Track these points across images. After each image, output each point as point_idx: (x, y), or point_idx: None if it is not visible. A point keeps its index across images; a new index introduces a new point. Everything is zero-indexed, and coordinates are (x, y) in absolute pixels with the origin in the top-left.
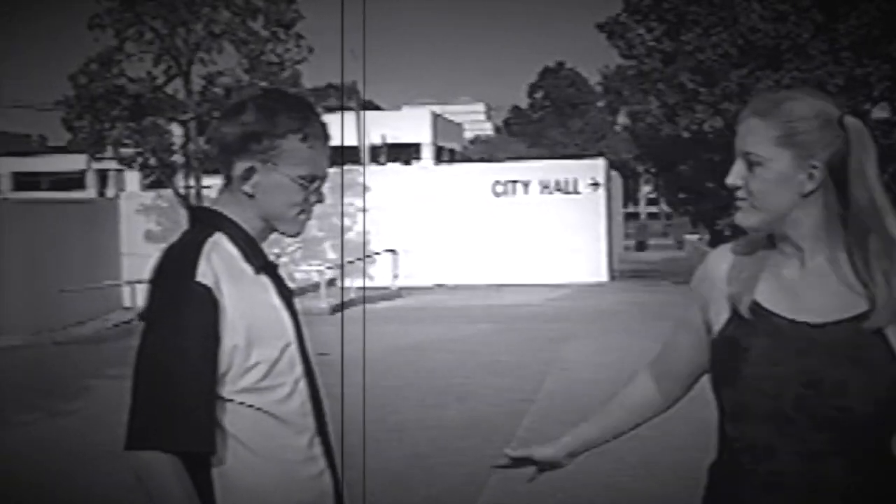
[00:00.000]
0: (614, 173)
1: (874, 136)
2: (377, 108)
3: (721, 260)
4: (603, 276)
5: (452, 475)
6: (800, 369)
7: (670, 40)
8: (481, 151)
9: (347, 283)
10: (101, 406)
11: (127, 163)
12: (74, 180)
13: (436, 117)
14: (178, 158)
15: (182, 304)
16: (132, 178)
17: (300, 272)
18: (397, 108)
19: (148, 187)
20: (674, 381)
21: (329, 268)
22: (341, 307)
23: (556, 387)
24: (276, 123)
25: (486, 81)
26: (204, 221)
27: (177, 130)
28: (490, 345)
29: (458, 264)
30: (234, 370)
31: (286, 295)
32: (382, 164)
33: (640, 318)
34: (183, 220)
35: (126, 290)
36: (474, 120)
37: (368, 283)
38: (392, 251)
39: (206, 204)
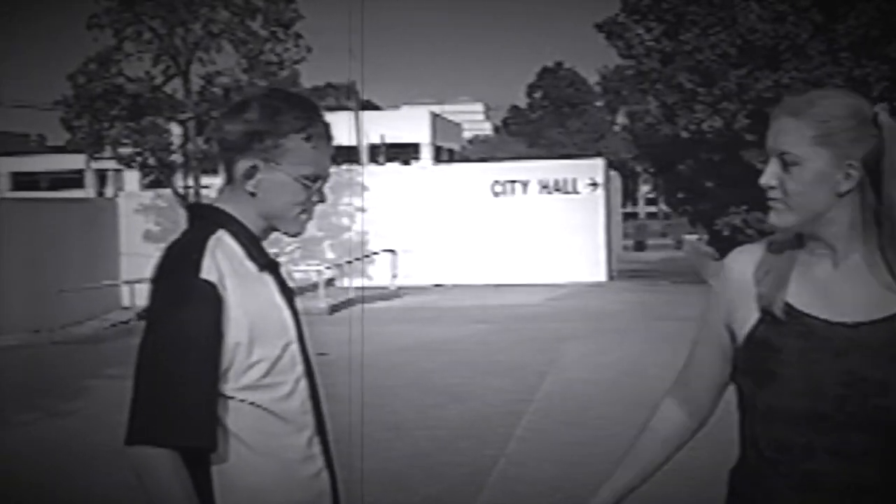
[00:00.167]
0: (613, 173)
1: None
2: (376, 107)
3: (745, 260)
4: (602, 275)
5: (451, 475)
6: (839, 369)
7: (669, 40)
8: (480, 151)
9: (346, 283)
10: (100, 406)
11: (126, 162)
12: (73, 180)
13: (434, 117)
14: (176, 158)
15: (186, 299)
16: (131, 178)
17: (299, 272)
18: (396, 107)
19: (147, 187)
20: (702, 400)
21: (328, 268)
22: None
23: (554, 387)
24: (279, 122)
25: (484, 81)
26: (206, 219)
27: (176, 130)
28: (488, 345)
29: (456, 264)
30: (235, 367)
31: (287, 294)
32: (381, 163)
33: (639, 318)
34: (182, 220)
35: (125, 290)
36: (473, 120)
37: (367, 283)
38: (391, 251)
39: (207, 201)
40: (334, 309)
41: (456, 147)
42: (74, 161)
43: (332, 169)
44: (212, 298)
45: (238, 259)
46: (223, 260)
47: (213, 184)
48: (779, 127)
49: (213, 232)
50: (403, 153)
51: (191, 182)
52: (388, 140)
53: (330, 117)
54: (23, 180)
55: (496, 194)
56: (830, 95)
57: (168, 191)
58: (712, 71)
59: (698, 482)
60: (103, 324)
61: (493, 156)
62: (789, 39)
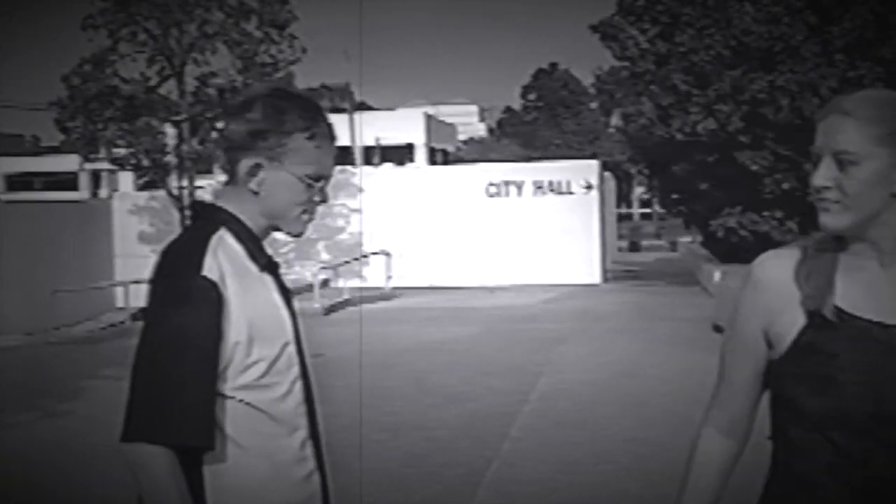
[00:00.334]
0: (608, 174)
1: None
2: (371, 108)
3: (781, 265)
4: (596, 277)
5: (448, 475)
6: None
7: (663, 42)
8: (475, 152)
9: (341, 284)
10: (95, 406)
11: (120, 163)
12: (67, 181)
13: (429, 118)
14: (171, 159)
15: (188, 297)
16: (125, 179)
17: (294, 273)
18: (391, 109)
19: (141, 188)
20: (745, 420)
21: (323, 269)
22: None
23: (549, 388)
24: (283, 121)
25: (479, 83)
26: (208, 217)
27: (170, 131)
28: (484, 346)
29: (451, 265)
30: (233, 366)
31: (286, 294)
32: (376, 165)
33: (634, 319)
34: (176, 221)
35: (119, 291)
36: (468, 121)
37: (362, 285)
38: (386, 252)
39: (209, 200)
40: (329, 310)
41: (451, 148)
42: (68, 162)
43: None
44: (213, 297)
45: (239, 258)
46: (224, 259)
47: (207, 185)
48: (832, 126)
49: (214, 230)
50: (398, 154)
51: (185, 183)
52: (383, 141)
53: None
54: (17, 182)
55: (491, 195)
56: (886, 95)
57: (162, 192)
58: (707, 72)
59: None
60: (98, 325)
61: (488, 157)
62: (784, 41)
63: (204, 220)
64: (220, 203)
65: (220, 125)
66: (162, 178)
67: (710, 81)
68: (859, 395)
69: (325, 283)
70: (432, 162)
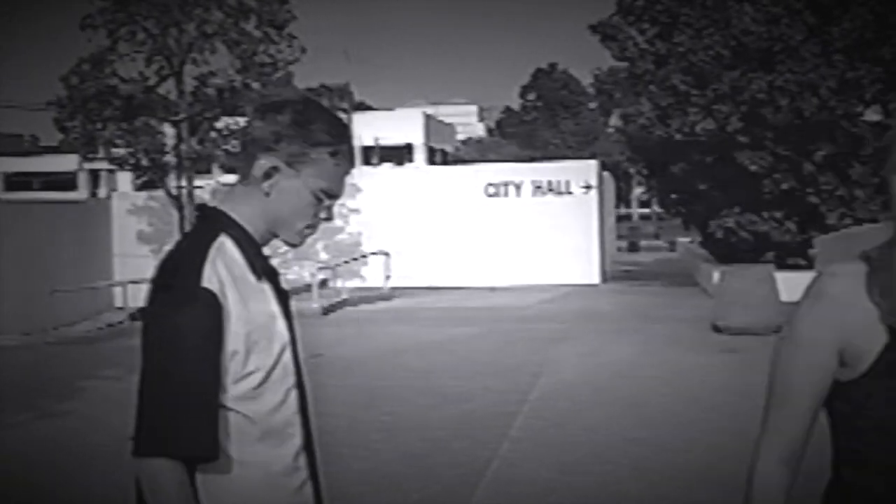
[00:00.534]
0: (606, 175)
1: (867, 139)
2: (370, 108)
3: (851, 281)
4: (595, 277)
5: (445, 476)
6: None
7: (663, 42)
8: (473, 152)
9: (340, 284)
10: (94, 406)
11: (119, 163)
12: (66, 181)
13: (428, 118)
14: (170, 159)
15: (188, 308)
16: (124, 179)
17: (292, 273)
18: (390, 109)
19: (140, 188)
20: (804, 446)
21: (322, 269)
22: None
23: (548, 388)
24: (310, 132)
25: (478, 83)
26: (209, 222)
27: (169, 131)
28: (482, 346)
29: (450, 266)
30: (230, 377)
31: (284, 301)
32: (375, 165)
33: (633, 320)
34: (175, 221)
35: (118, 291)
36: (466, 121)
37: (360, 285)
38: (384, 252)
39: (214, 203)
40: (328, 310)
41: (449, 148)
42: (67, 162)
43: None
44: (213, 307)
45: (238, 267)
46: (223, 269)
47: (206, 184)
48: None
49: (215, 237)
50: (397, 154)
51: (184, 183)
52: (382, 141)
53: None
54: (15, 181)
55: (489, 196)
56: None
57: (161, 192)
58: (706, 73)
59: (688, 484)
60: (97, 324)
61: (487, 157)
62: (783, 41)
63: (205, 226)
64: (224, 206)
65: (244, 122)
66: (161, 178)
67: (710, 82)
68: None
69: (323, 283)
70: (431, 162)
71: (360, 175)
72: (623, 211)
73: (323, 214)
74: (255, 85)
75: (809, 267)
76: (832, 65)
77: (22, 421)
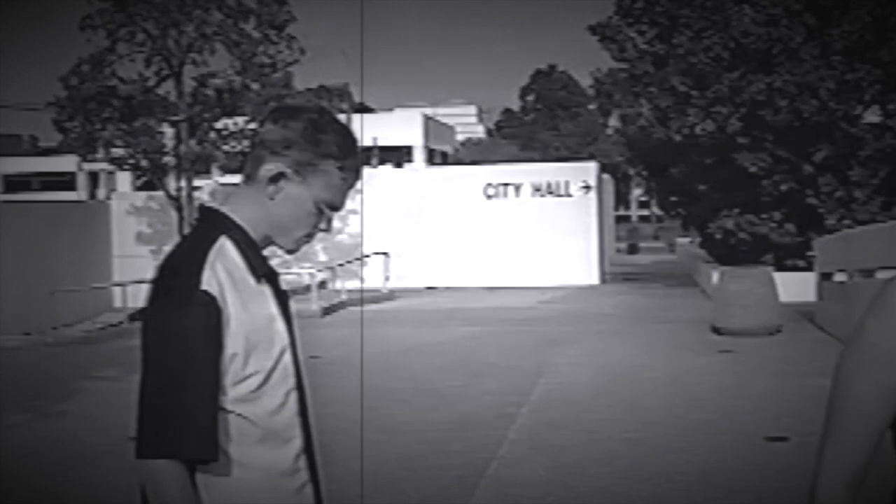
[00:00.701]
0: (606, 176)
1: (866, 140)
2: (369, 109)
3: None
4: (594, 278)
5: (444, 477)
6: None
7: (662, 43)
8: (473, 154)
9: (339, 285)
10: (92, 407)
11: (118, 164)
12: (65, 181)
13: (427, 120)
14: (169, 160)
15: (187, 310)
16: (123, 180)
17: (292, 274)
18: (389, 110)
19: (139, 189)
20: (869, 465)
21: (321, 270)
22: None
23: (547, 389)
24: (322, 142)
25: (477, 84)
26: (210, 224)
27: (168, 132)
28: (481, 347)
29: (449, 267)
30: (229, 379)
31: (283, 303)
32: (374, 166)
33: (632, 321)
34: (174, 221)
35: (117, 292)
36: (466, 122)
37: (360, 286)
38: (384, 253)
39: (214, 203)
40: (327, 311)
41: (449, 150)
42: (67, 163)
43: None
44: (212, 310)
45: (238, 269)
46: (223, 271)
47: (205, 185)
48: None
49: (215, 239)
50: (396, 155)
51: (183, 184)
52: (381, 142)
53: None
54: (15, 182)
55: (489, 197)
56: None
57: (160, 193)
58: (705, 74)
59: (687, 485)
60: (96, 325)
61: (486, 158)
62: (782, 43)
63: (205, 227)
64: (225, 208)
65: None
66: (160, 179)
67: (709, 83)
68: None
69: (323, 284)
70: (431, 163)
71: (360, 176)
72: (622, 212)
73: (322, 225)
74: (255, 86)
75: (809, 268)
76: (831, 66)
77: (21, 421)
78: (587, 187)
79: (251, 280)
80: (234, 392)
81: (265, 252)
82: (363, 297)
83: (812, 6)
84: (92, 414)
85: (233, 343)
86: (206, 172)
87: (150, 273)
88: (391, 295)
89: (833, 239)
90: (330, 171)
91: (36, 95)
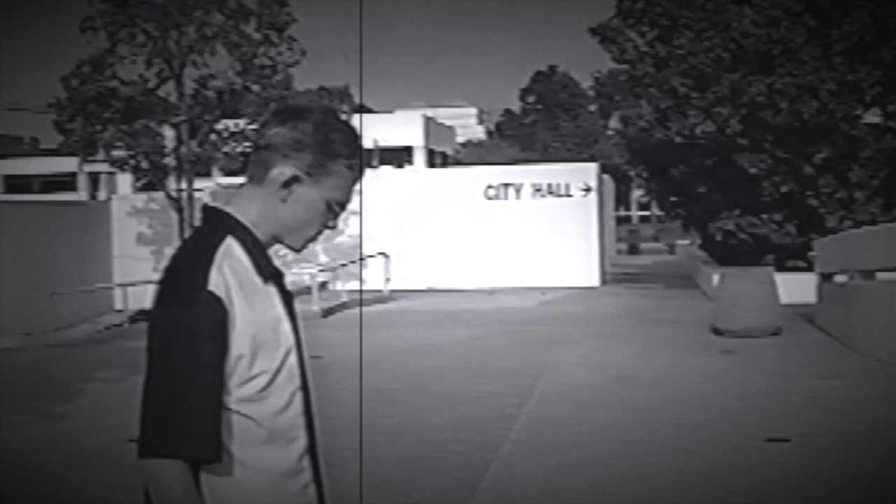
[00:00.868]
0: (606, 177)
1: (866, 141)
2: (369, 111)
3: None
4: (595, 280)
5: (444, 478)
6: None
7: (662, 45)
8: (473, 155)
9: (339, 286)
10: (93, 408)
11: (119, 165)
12: (66, 183)
13: (428, 121)
14: (169, 161)
15: (194, 312)
16: (124, 181)
17: (292, 275)
18: (389, 111)
19: (140, 190)
20: None
21: (321, 271)
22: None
23: (547, 390)
24: (331, 142)
25: (478, 85)
26: (215, 224)
27: (169, 133)
28: (481, 348)
29: (450, 268)
30: (235, 379)
31: (288, 303)
32: (375, 167)
33: (632, 322)
34: (174, 223)
35: (118, 293)
36: (466, 124)
37: (361, 287)
38: (384, 255)
39: (218, 204)
40: (328, 312)
41: (449, 151)
42: (67, 164)
43: None
44: (218, 311)
45: (245, 270)
46: (230, 272)
47: (206, 187)
48: None
49: (221, 240)
50: (397, 157)
51: (184, 185)
52: (382, 144)
53: None
54: (15, 183)
55: (489, 198)
56: None
57: (161, 194)
58: (706, 75)
59: (687, 485)
60: (96, 327)
61: (487, 159)
62: (783, 44)
63: (211, 227)
64: (230, 208)
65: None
66: (160, 180)
67: (709, 84)
68: None
69: (323, 285)
70: (431, 164)
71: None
72: (623, 213)
73: (331, 223)
74: (255, 87)
75: (809, 269)
76: (832, 67)
77: (21, 422)
78: (587, 188)
79: (258, 280)
80: (239, 392)
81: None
82: (364, 298)
83: (812, 7)
84: (92, 415)
85: (239, 343)
86: (207, 174)
87: (150, 274)
88: (392, 296)
89: (833, 240)
90: (340, 171)
91: (37, 97)
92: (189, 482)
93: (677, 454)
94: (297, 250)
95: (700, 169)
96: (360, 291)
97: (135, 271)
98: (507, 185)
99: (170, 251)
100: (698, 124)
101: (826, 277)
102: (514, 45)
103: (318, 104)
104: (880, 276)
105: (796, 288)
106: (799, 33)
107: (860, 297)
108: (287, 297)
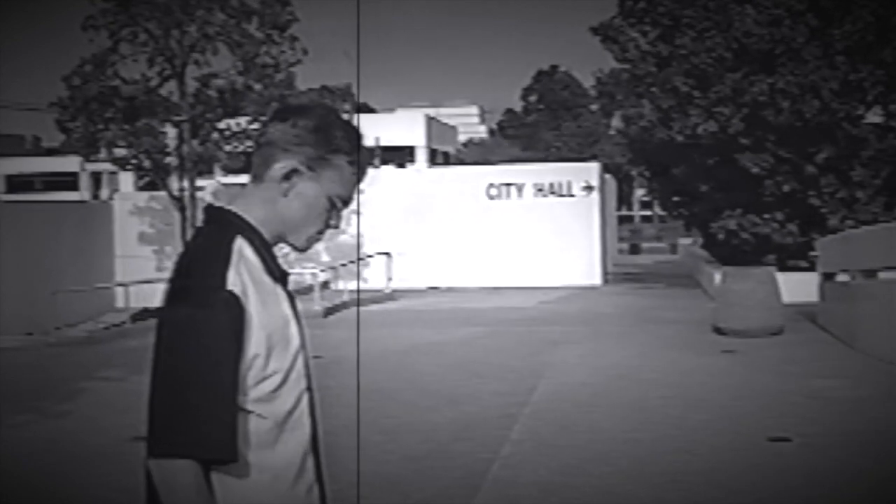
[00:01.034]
0: (608, 176)
1: (868, 141)
2: (371, 110)
3: None
4: (596, 279)
5: (446, 478)
6: None
7: (664, 44)
8: (475, 154)
9: (341, 285)
10: (94, 407)
11: (121, 164)
12: (68, 182)
13: (430, 120)
14: (171, 160)
15: (212, 311)
16: (126, 180)
17: (294, 274)
18: (391, 110)
19: (141, 189)
20: None
21: (323, 270)
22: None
23: (549, 390)
24: (333, 138)
25: (480, 84)
26: (222, 223)
27: (171, 132)
28: (483, 348)
29: (451, 267)
30: (249, 379)
31: (293, 304)
32: (376, 166)
33: (634, 322)
34: (176, 222)
35: (119, 292)
36: (468, 123)
37: (362, 286)
38: (386, 254)
39: (221, 203)
40: (329, 312)
41: (451, 150)
42: (69, 163)
43: None
44: (237, 310)
45: (256, 270)
46: (245, 272)
47: (208, 186)
48: None
49: (233, 239)
50: (398, 156)
51: (186, 184)
52: (383, 143)
53: None
54: (17, 182)
55: (491, 197)
56: None
57: (163, 193)
58: (708, 75)
59: (688, 485)
60: (98, 326)
61: (488, 159)
62: (785, 43)
63: (218, 227)
64: (234, 208)
65: (260, 124)
66: (162, 179)
67: (711, 84)
68: None
69: (325, 284)
70: (433, 163)
71: None
72: (624, 213)
73: (333, 221)
74: (257, 86)
75: (811, 269)
76: (834, 67)
77: (22, 421)
78: (589, 188)
79: (268, 280)
80: (254, 392)
81: None
82: (366, 298)
83: (814, 7)
84: (93, 414)
85: (255, 344)
86: (209, 173)
87: (152, 273)
88: (393, 295)
89: (835, 239)
90: (341, 166)
91: (38, 96)
92: (202, 483)
93: (679, 453)
94: (301, 250)
95: (702, 168)
96: (358, 291)
97: (137, 270)
98: (508, 184)
99: (172, 250)
100: (700, 124)
101: (828, 277)
102: (516, 45)
103: (320, 103)
104: (882, 275)
105: (798, 287)
106: (801, 33)
107: (862, 297)
108: (290, 297)
